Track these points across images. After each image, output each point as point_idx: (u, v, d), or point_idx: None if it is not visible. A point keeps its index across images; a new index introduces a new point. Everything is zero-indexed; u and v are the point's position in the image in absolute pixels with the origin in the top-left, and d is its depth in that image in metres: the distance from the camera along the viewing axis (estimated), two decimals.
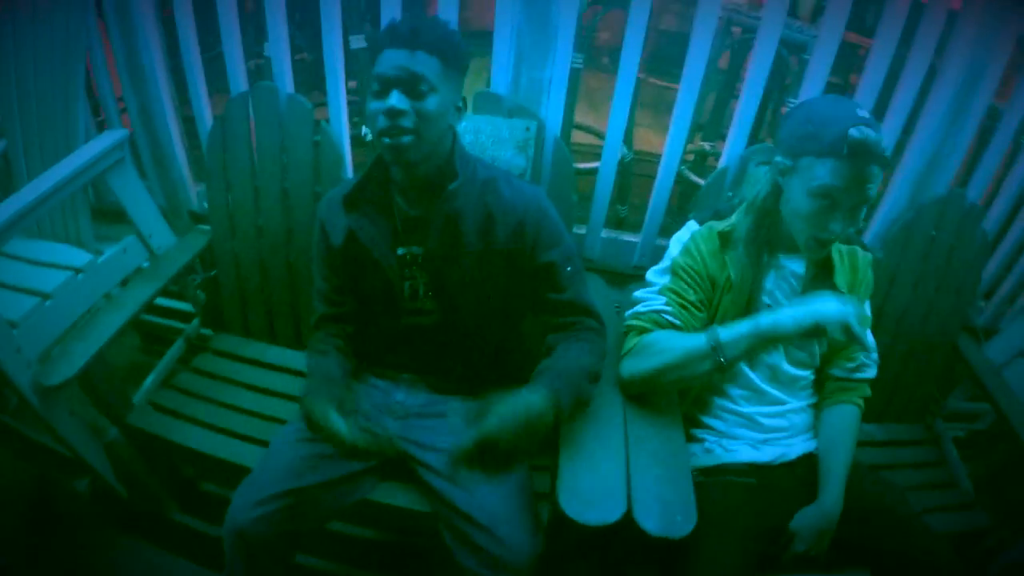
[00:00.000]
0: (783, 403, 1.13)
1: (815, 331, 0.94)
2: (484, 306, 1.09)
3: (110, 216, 1.56)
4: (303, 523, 1.02)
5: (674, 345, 1.01)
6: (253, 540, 0.97)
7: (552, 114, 1.37)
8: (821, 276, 1.09)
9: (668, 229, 1.29)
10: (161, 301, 1.61)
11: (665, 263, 1.11)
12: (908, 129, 1.40)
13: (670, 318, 1.05)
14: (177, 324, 1.59)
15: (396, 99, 0.93)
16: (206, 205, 1.53)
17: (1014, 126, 1.40)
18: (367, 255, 1.06)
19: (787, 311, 0.96)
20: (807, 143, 0.96)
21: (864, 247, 1.16)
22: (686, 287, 1.07)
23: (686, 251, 1.09)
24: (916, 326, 1.43)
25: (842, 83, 2.60)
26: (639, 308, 1.08)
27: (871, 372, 1.16)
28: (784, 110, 1.70)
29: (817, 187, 0.95)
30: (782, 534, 1.05)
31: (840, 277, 1.09)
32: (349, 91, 1.50)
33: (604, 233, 1.59)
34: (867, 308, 1.15)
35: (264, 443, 1.19)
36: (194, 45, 1.44)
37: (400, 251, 1.07)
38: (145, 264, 1.43)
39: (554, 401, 0.91)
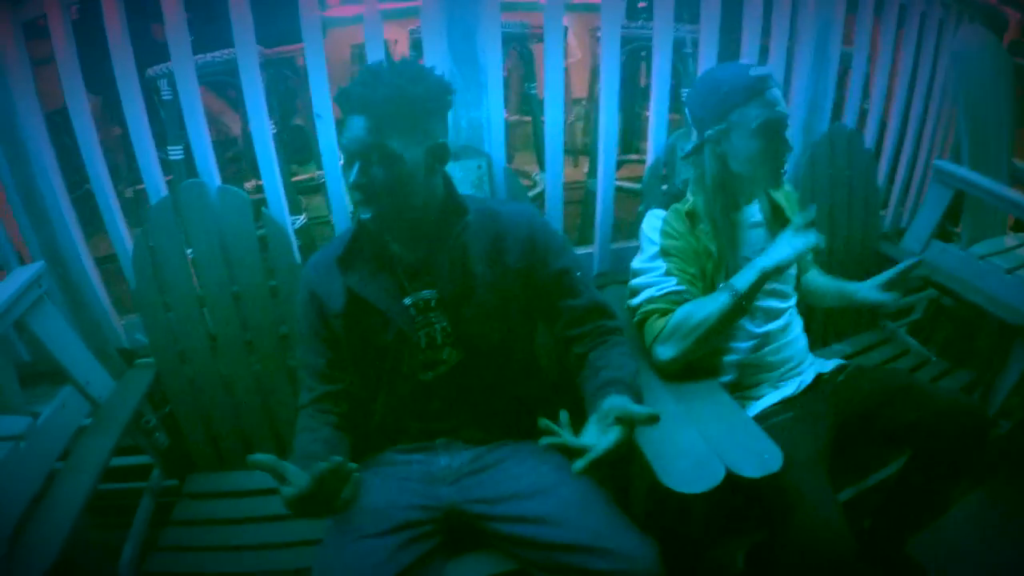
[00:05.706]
0: (778, 337, 1.23)
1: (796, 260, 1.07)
2: (505, 334, 1.06)
3: (26, 380, 1.33)
4: None
5: (706, 312, 1.07)
6: None
7: (495, 149, 1.41)
8: (777, 214, 1.23)
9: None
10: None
11: (651, 250, 1.17)
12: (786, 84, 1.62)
13: (686, 295, 1.12)
14: (134, 484, 1.32)
15: (358, 174, 0.92)
16: (140, 337, 1.38)
17: (863, 62, 1.69)
18: (374, 312, 1.02)
19: (772, 252, 1.06)
20: (728, 99, 1.10)
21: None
22: (683, 263, 1.15)
23: (666, 234, 1.16)
24: (841, 245, 1.63)
25: None
26: (652, 293, 1.13)
27: None
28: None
29: (759, 124, 1.09)
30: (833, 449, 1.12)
31: (789, 213, 1.24)
32: None
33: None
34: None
35: (292, 573, 1.08)
36: (100, 159, 1.31)
37: (407, 300, 1.03)
38: (86, 420, 1.21)
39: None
